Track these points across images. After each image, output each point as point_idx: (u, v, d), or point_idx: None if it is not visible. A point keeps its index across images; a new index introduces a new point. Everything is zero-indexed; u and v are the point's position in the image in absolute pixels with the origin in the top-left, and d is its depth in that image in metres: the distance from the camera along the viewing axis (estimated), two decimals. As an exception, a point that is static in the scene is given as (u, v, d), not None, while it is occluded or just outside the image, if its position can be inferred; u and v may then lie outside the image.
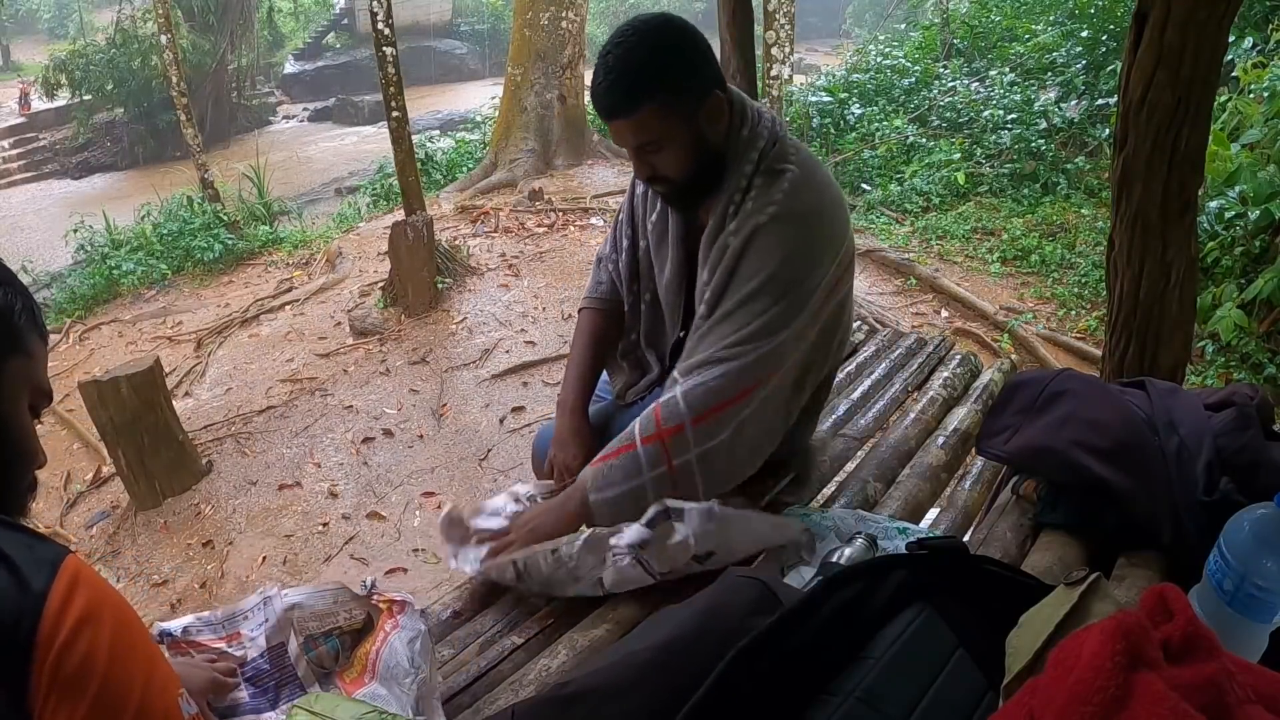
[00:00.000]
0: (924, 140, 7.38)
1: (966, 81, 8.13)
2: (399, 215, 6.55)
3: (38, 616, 0.62)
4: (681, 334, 1.61)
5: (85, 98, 15.05)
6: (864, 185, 7.13)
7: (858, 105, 8.17)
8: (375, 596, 1.25)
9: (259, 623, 1.20)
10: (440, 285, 5.89)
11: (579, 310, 1.72)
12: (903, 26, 12.48)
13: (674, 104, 1.29)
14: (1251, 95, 4.41)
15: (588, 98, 9.96)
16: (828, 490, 1.67)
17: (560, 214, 7.52)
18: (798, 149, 1.40)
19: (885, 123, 7.81)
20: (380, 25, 5.78)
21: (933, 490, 1.70)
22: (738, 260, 1.32)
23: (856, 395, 2.01)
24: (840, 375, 2.10)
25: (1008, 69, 7.97)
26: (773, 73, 7.26)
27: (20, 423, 0.78)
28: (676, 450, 1.28)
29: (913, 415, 1.92)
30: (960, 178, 6.59)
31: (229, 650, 1.18)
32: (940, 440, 1.82)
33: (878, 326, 3.01)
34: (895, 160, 7.33)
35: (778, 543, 1.31)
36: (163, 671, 0.70)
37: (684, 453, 1.28)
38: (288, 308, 6.46)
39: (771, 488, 1.62)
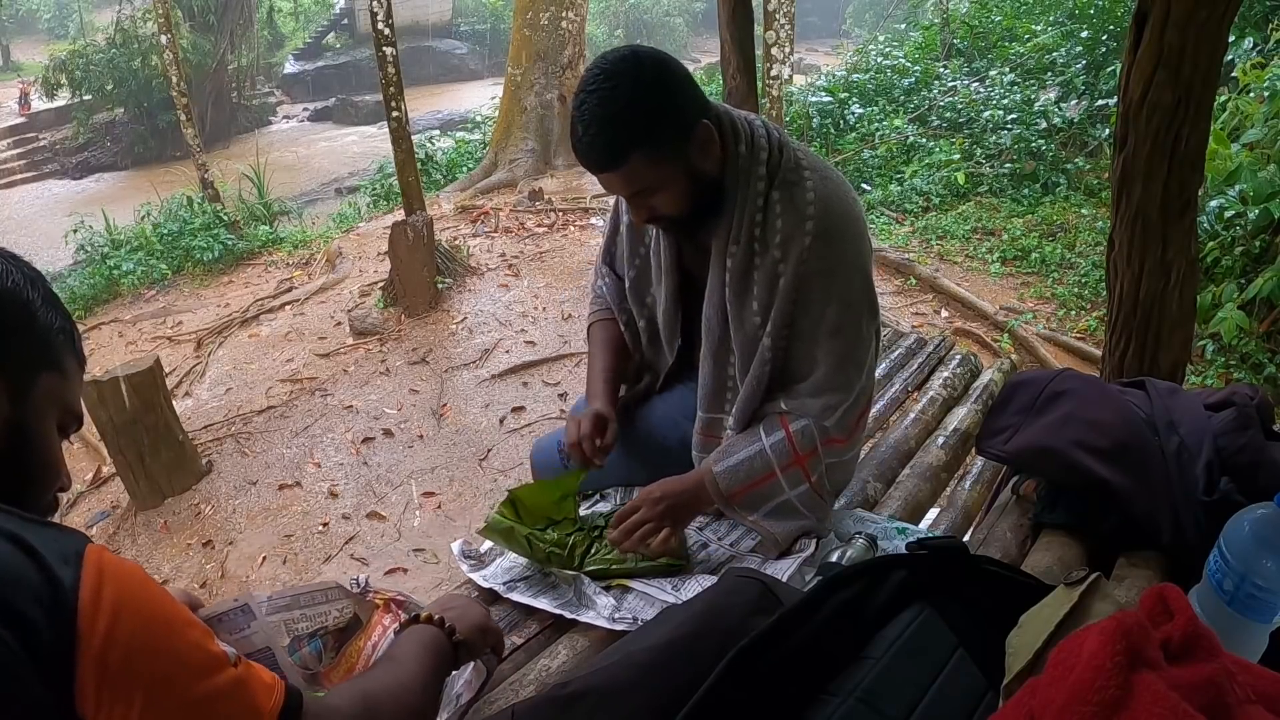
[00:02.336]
0: (924, 140, 7.38)
1: (966, 81, 8.13)
2: (399, 215, 6.55)
3: (74, 613, 0.62)
4: (679, 343, 1.62)
5: (85, 98, 15.05)
6: (864, 185, 7.13)
7: (858, 105, 8.17)
8: (370, 594, 1.25)
9: (236, 628, 1.19)
10: (440, 285, 5.89)
11: (589, 325, 1.67)
12: (903, 26, 12.47)
13: (661, 147, 1.24)
14: (1252, 95, 4.41)
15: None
16: (828, 490, 1.67)
17: (560, 214, 7.52)
18: (804, 152, 1.37)
19: (885, 123, 7.81)
20: (380, 25, 5.78)
21: (933, 490, 1.70)
22: (798, 284, 1.32)
23: (856, 395, 2.01)
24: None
25: (1008, 69, 7.96)
26: (773, 73, 7.26)
27: (46, 438, 0.79)
28: (813, 469, 1.38)
29: (913, 415, 1.92)
30: (960, 178, 6.58)
31: None
32: (940, 440, 1.82)
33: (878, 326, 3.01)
34: (895, 160, 7.33)
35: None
36: (198, 632, 0.71)
37: (817, 468, 1.39)
38: (288, 308, 6.46)
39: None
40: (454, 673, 1.15)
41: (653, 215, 1.33)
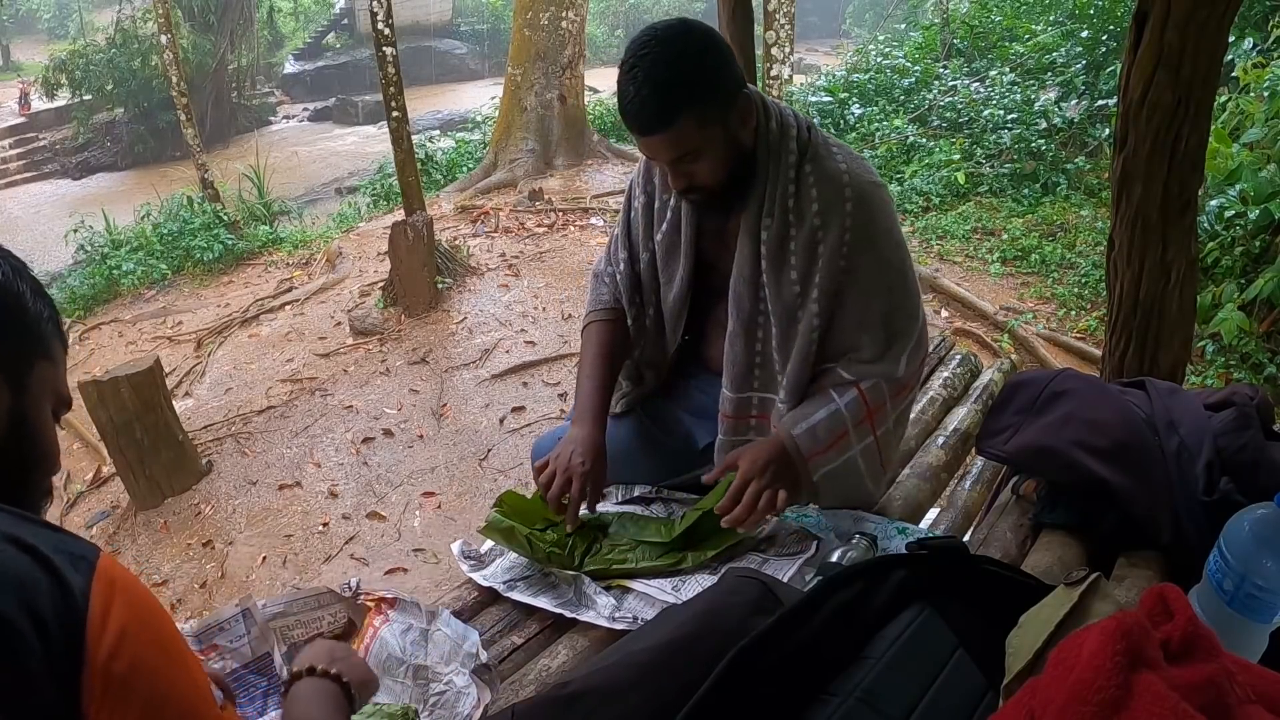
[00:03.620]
0: (924, 140, 7.37)
1: (966, 81, 8.12)
2: (399, 215, 6.55)
3: (83, 622, 0.62)
4: (685, 337, 1.62)
5: (85, 98, 15.02)
6: (864, 185, 7.12)
7: (858, 105, 8.16)
8: (361, 596, 1.25)
9: (238, 635, 1.20)
10: (440, 285, 5.89)
11: (585, 326, 1.64)
12: (903, 26, 12.47)
13: (708, 112, 1.27)
14: (1252, 95, 4.40)
15: (588, 97, 10.01)
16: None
17: (560, 214, 7.52)
18: (828, 135, 1.42)
19: (885, 123, 7.80)
20: (380, 25, 5.78)
21: (933, 490, 1.70)
22: (843, 251, 1.35)
23: (856, 395, 2.00)
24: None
25: (1008, 69, 7.95)
26: (773, 73, 7.26)
27: (43, 426, 0.79)
28: (880, 423, 1.41)
29: (913, 415, 1.91)
30: (960, 178, 6.58)
31: (206, 664, 1.17)
32: (940, 440, 1.82)
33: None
34: (895, 160, 7.33)
35: None
36: (194, 664, 0.71)
37: (884, 423, 1.42)
38: (288, 308, 6.46)
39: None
40: (461, 694, 1.15)
41: (691, 184, 1.35)
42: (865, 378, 1.39)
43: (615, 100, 1.34)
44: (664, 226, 1.52)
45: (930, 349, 2.24)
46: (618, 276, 1.61)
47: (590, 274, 1.70)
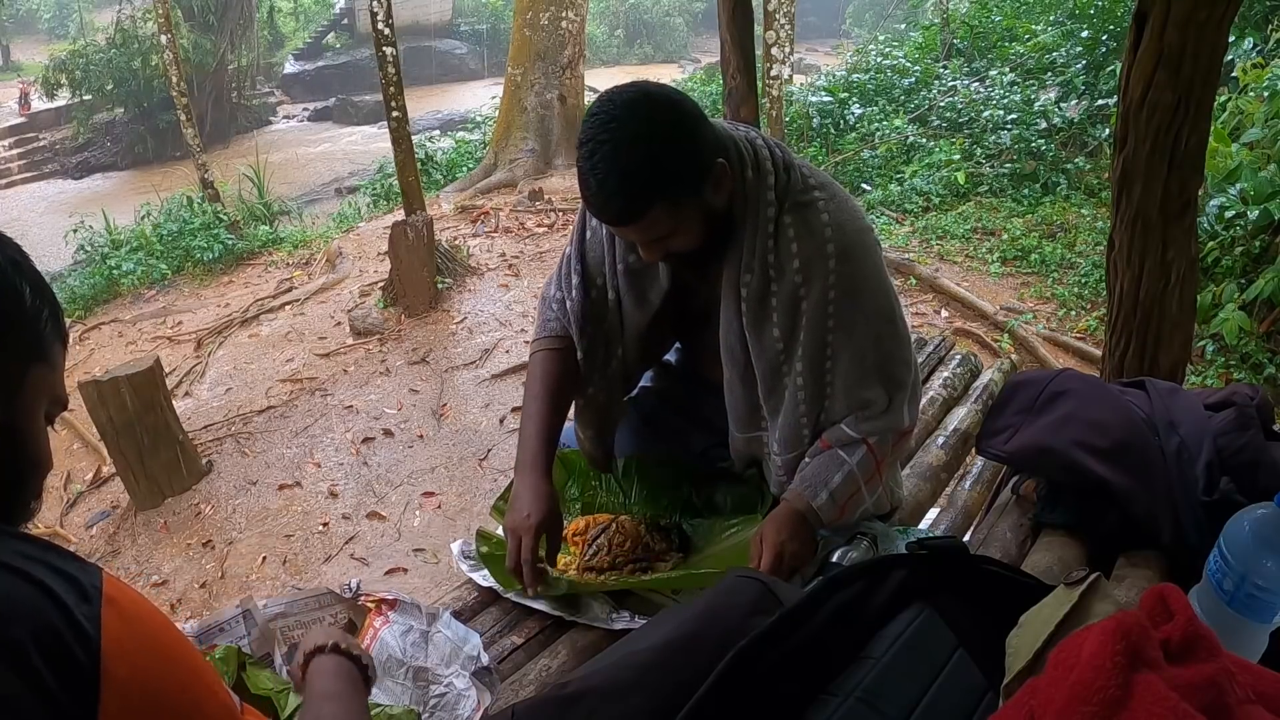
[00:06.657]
0: (924, 140, 7.38)
1: (966, 81, 8.12)
2: (399, 215, 6.55)
3: (97, 651, 0.60)
4: (678, 346, 1.60)
5: (85, 98, 15.03)
6: (864, 185, 7.12)
7: (858, 105, 8.16)
8: (362, 598, 1.25)
9: (239, 635, 1.20)
10: (440, 285, 5.89)
11: (531, 354, 1.50)
12: (903, 26, 12.47)
13: (681, 194, 1.18)
14: (1252, 95, 4.40)
15: (588, 97, 9.99)
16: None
17: (560, 214, 7.52)
18: (809, 169, 1.34)
19: (885, 123, 7.80)
20: (380, 25, 5.78)
21: (933, 490, 1.70)
22: (828, 309, 1.29)
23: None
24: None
25: (1008, 69, 7.95)
26: (773, 73, 7.25)
27: (36, 432, 0.75)
28: (886, 471, 1.41)
29: (913, 415, 1.91)
30: (960, 178, 6.58)
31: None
32: (940, 440, 1.82)
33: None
34: (895, 160, 7.33)
35: None
36: (210, 675, 0.71)
37: (890, 469, 1.43)
38: (288, 308, 6.46)
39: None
40: (461, 697, 1.15)
41: (665, 255, 1.28)
42: (873, 434, 1.34)
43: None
44: (631, 258, 1.40)
45: (930, 349, 2.25)
46: (568, 303, 1.46)
47: (541, 297, 1.55)
